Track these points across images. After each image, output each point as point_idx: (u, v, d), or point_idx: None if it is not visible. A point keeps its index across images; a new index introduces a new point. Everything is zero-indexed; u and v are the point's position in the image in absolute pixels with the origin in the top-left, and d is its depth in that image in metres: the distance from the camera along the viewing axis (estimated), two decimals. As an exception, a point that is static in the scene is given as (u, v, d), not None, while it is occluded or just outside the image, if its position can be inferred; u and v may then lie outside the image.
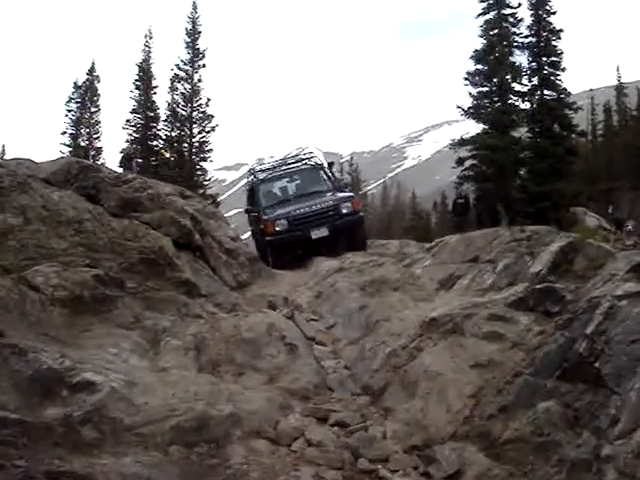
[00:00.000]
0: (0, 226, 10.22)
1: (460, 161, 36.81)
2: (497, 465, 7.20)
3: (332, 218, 17.27)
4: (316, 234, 17.04)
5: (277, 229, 17.17)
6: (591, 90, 65.07)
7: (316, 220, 17.17)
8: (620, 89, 63.71)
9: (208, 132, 44.15)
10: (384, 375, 9.46)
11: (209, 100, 44.42)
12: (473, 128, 41.24)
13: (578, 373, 7.75)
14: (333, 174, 20.59)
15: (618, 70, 77.45)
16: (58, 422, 6.77)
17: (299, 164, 20.98)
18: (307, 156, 21.33)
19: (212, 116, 44.47)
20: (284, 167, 20.95)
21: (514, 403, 7.92)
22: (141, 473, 6.24)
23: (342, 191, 19.24)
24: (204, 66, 44.84)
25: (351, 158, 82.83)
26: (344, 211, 17.47)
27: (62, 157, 22.67)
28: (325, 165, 20.71)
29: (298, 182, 19.75)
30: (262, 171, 21.01)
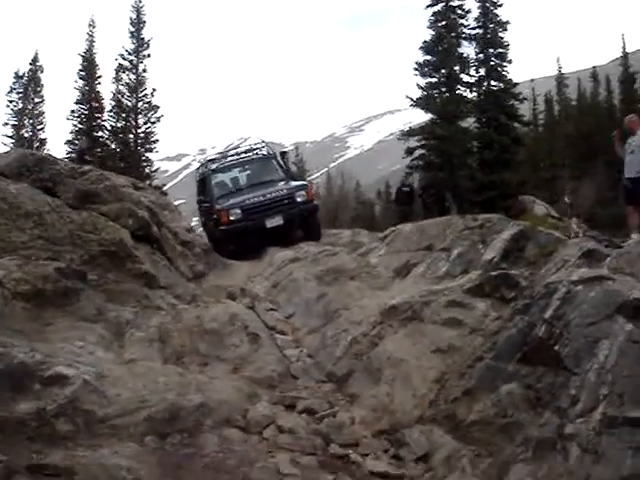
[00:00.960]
0: (-42, 220, 10.12)
1: (409, 151, 37.19)
2: (464, 446, 7.41)
3: (287, 207, 17.16)
4: (271, 223, 16.89)
5: (231, 218, 16.91)
6: (532, 80, 66.42)
7: (270, 209, 17.01)
8: (561, 79, 64.94)
9: (153, 123, 43.90)
10: (347, 362, 9.61)
11: (154, 90, 44.24)
12: (416, 117, 41.78)
13: (538, 356, 8.01)
14: (286, 163, 20.64)
15: (558, 61, 79.16)
16: (32, 416, 6.76)
17: (251, 154, 20.79)
18: (258, 145, 21.08)
19: (157, 107, 44.25)
20: (236, 157, 20.75)
21: (477, 386, 8.14)
22: (121, 464, 6.29)
23: (295, 180, 19.25)
24: (149, 56, 44.53)
25: (296, 148, 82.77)
26: (299, 199, 17.37)
27: (15, 149, 22.36)
28: (277, 155, 20.64)
29: (250, 172, 19.66)
30: (213, 161, 20.84)
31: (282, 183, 18.42)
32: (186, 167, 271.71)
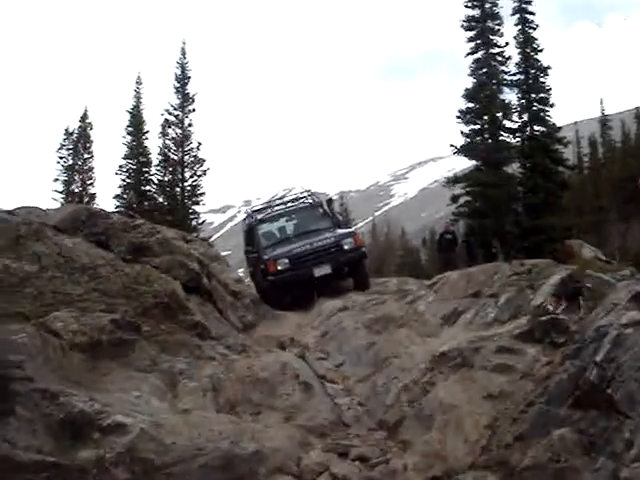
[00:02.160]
0: (17, 273, 10.47)
1: (454, 198, 37.22)
2: (519, 492, 7.41)
3: (334, 255, 16.96)
4: (319, 272, 16.69)
5: (279, 268, 16.67)
6: (576, 123, 66.20)
7: (318, 257, 16.82)
8: (604, 121, 64.73)
9: (200, 176, 44.44)
10: (398, 410, 9.66)
11: (200, 144, 44.82)
12: (459, 164, 41.84)
13: (590, 400, 8.01)
14: (332, 211, 20.19)
15: (602, 103, 78.85)
16: (91, 464, 6.97)
17: (297, 203, 20.58)
18: (304, 194, 20.82)
19: (203, 160, 44.76)
20: (282, 206, 20.56)
21: (529, 432, 8.16)
22: (179, 510, 6.43)
23: (342, 228, 18.99)
24: (194, 110, 45.24)
25: (340, 197, 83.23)
26: (346, 247, 17.12)
27: (69, 204, 22.90)
28: (324, 203, 20.34)
29: (297, 221, 19.36)
30: (259, 211, 20.56)
31: (329, 231, 18.09)
32: (231, 219, 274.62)
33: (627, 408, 7.57)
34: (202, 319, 11.97)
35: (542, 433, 8.03)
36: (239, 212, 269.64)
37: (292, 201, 20.92)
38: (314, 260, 16.78)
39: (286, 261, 16.74)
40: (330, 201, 21.10)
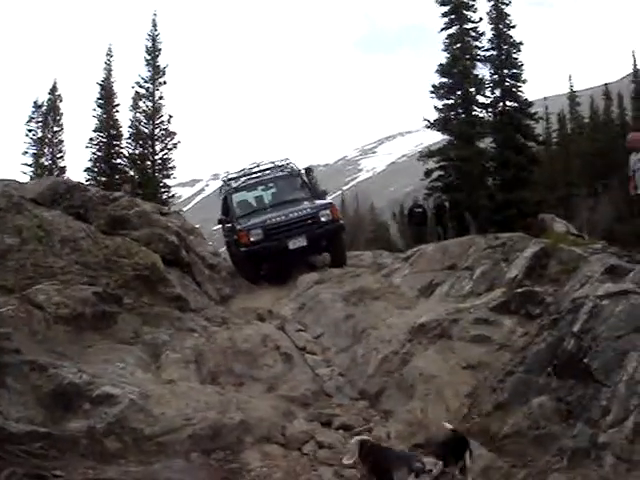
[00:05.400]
0: (-2, 246, 10.47)
1: (428, 172, 37.36)
2: (499, 458, 7.65)
3: (311, 227, 16.19)
4: (294, 244, 15.93)
5: (252, 239, 15.88)
6: (545, 99, 66.42)
7: (293, 229, 16.07)
8: (573, 97, 65.05)
9: (170, 149, 44.03)
10: (379, 380, 9.85)
11: (170, 117, 44.39)
12: (427, 139, 41.94)
13: (568, 369, 8.27)
14: (311, 181, 19.58)
15: (570, 79, 79.32)
16: (82, 434, 7.09)
17: (275, 171, 19.46)
18: (283, 163, 19.69)
19: (174, 133, 44.29)
20: (259, 174, 19.50)
21: (509, 400, 8.42)
22: (173, 477, 6.57)
23: (320, 199, 18.21)
24: (165, 83, 44.69)
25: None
26: (323, 219, 16.39)
27: (46, 177, 22.70)
28: (302, 172, 19.57)
29: (274, 190, 18.56)
30: (235, 179, 19.55)
31: (307, 202, 17.35)
32: (199, 192, 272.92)
33: (603, 377, 7.82)
34: (182, 292, 12.07)
35: (521, 401, 8.28)
36: (207, 185, 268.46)
37: (270, 169, 19.78)
38: (289, 232, 16.05)
39: (259, 232, 16.02)
40: (309, 170, 20.40)
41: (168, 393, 8.40)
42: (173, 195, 47.08)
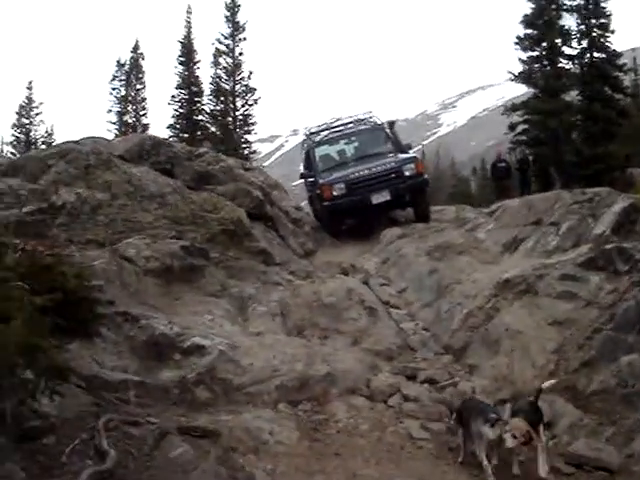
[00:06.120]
0: (90, 202, 10.80)
1: (512, 126, 36.58)
2: (586, 415, 7.55)
3: (394, 181, 15.92)
4: (377, 199, 15.76)
5: (334, 194, 15.76)
6: (633, 50, 64.24)
7: (377, 183, 15.85)
8: (662, 48, 62.90)
9: (251, 105, 44.35)
10: (464, 335, 9.80)
11: (251, 73, 44.62)
12: (508, 92, 41.05)
13: (659, 327, 8.07)
14: (394, 134, 18.83)
15: (660, 29, 76.15)
16: (174, 384, 7.32)
17: (358, 124, 19.23)
18: (366, 116, 19.54)
19: (254, 89, 44.53)
20: (342, 128, 19.26)
21: (596, 357, 8.25)
22: (263, 427, 6.74)
23: (404, 152, 17.73)
24: (245, 39, 44.90)
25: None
26: (407, 173, 16.05)
27: (133, 134, 23.12)
28: (385, 125, 19.20)
29: (357, 144, 18.35)
30: (318, 133, 19.35)
31: (390, 156, 17.04)
32: (278, 148, 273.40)
33: (697, 335, 7.63)
34: (266, 245, 12.25)
35: (609, 359, 8.12)
36: (286, 141, 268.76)
37: (353, 123, 19.53)
38: (372, 186, 15.86)
39: (342, 186, 15.89)
40: (392, 123, 19.62)
41: (256, 345, 8.58)
42: (255, 151, 47.39)
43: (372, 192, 15.79)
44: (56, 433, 5.56)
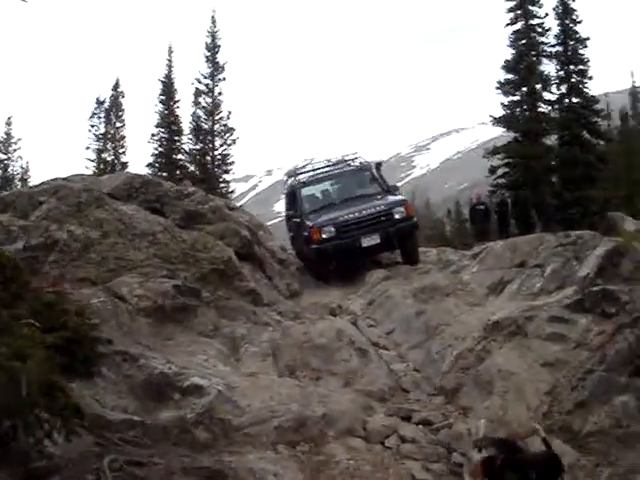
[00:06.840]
0: (81, 240, 10.76)
1: (493, 169, 36.96)
2: (583, 456, 7.63)
3: (384, 224, 15.63)
4: (367, 242, 15.45)
5: (324, 236, 15.42)
6: (606, 95, 65.30)
7: (367, 226, 15.54)
8: (635, 94, 63.78)
9: (230, 145, 44.44)
10: (455, 376, 9.85)
11: (230, 113, 44.76)
12: (483, 136, 41.45)
13: (651, 369, 8.19)
14: (381, 175, 18.54)
15: (632, 75, 77.83)
16: (173, 424, 7.27)
17: (343, 165, 18.79)
18: (351, 156, 19.17)
19: (233, 129, 44.64)
20: (327, 168, 18.86)
21: (590, 398, 8.38)
22: (267, 468, 6.73)
23: (392, 194, 17.40)
24: (224, 79, 45.01)
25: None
26: (397, 216, 15.80)
27: (120, 172, 23.07)
28: (372, 166, 18.79)
29: (343, 185, 18.03)
30: (302, 173, 18.95)
31: (378, 198, 16.82)
32: (253, 188, 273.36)
33: (689, 377, 7.75)
34: (255, 286, 12.24)
35: (603, 400, 8.24)
36: (260, 181, 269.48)
37: (339, 163, 19.09)
38: (362, 229, 15.54)
39: (332, 229, 15.53)
40: (379, 164, 19.22)
41: (251, 385, 8.59)
42: (232, 191, 47.43)
43: (362, 235, 15.53)
44: (61, 474, 5.52)
